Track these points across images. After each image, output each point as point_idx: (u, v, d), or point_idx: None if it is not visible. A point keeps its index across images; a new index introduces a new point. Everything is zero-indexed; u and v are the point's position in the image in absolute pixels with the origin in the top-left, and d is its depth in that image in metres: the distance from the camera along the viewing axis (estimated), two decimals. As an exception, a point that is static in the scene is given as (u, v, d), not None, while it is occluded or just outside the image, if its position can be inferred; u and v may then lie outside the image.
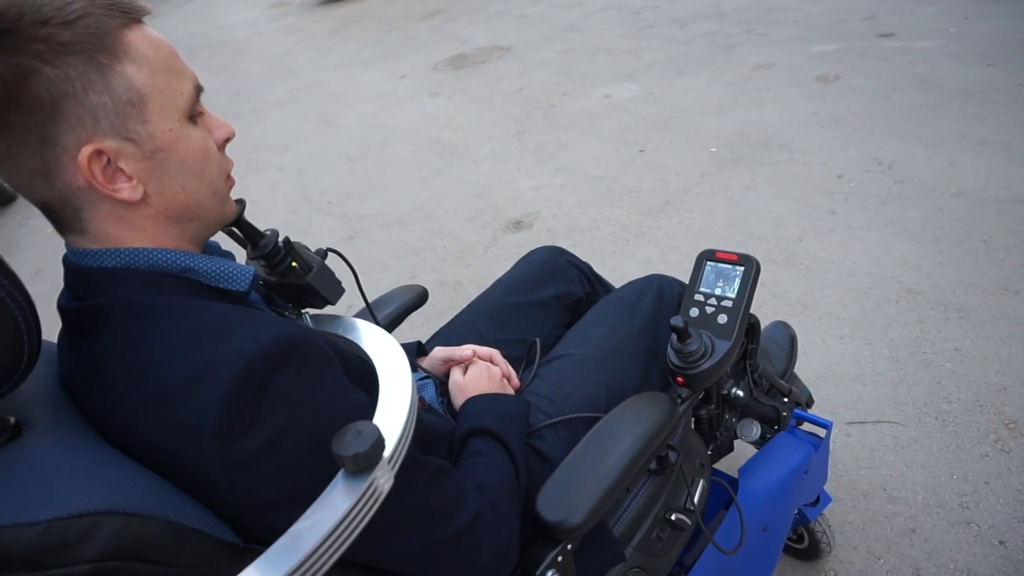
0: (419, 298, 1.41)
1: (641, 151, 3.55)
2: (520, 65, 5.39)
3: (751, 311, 1.16)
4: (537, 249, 1.41)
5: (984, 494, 1.58)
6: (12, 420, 0.64)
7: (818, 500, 1.45)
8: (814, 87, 3.80)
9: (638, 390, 1.11)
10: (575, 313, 1.34)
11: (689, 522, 1.07)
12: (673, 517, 1.06)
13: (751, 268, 1.11)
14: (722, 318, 1.09)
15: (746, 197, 2.93)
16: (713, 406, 1.24)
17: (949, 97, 3.37)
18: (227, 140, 0.78)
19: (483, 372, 1.09)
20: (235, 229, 0.87)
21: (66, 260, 0.73)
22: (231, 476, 0.62)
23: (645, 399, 1.00)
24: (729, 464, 1.44)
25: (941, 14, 4.44)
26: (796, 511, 1.40)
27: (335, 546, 0.58)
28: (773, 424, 1.37)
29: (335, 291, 0.94)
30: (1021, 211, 2.45)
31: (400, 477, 0.65)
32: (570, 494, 0.86)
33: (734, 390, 1.25)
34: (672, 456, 1.05)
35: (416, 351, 1.24)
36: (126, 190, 0.68)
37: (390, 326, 1.34)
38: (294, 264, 0.90)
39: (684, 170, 3.26)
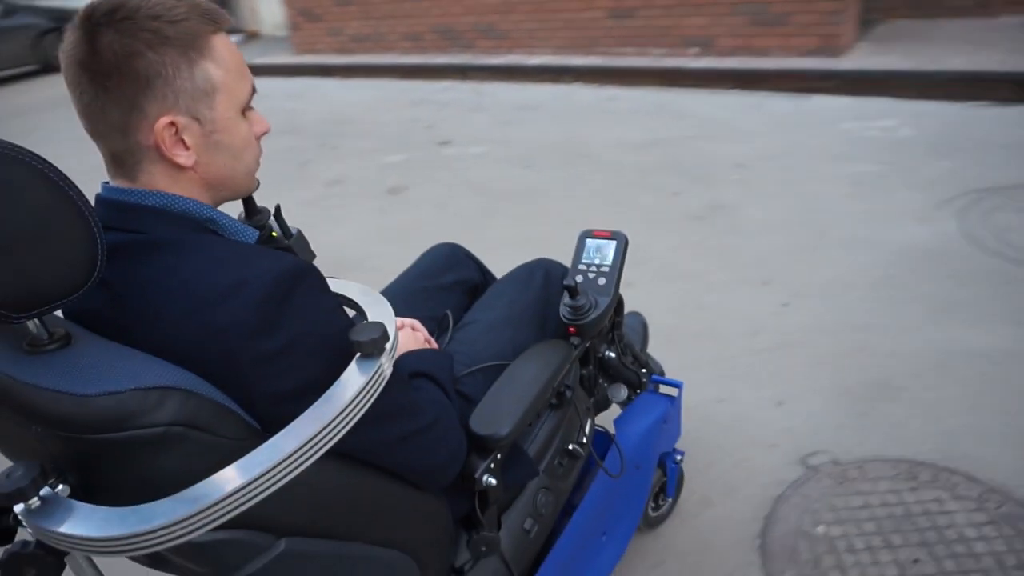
0: None
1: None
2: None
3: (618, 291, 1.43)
4: (438, 244, 1.66)
5: None
6: (63, 331, 0.74)
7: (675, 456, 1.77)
8: (385, 200, 3.93)
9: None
10: (472, 297, 1.57)
11: (582, 452, 1.34)
12: (570, 447, 1.31)
13: (621, 241, 1.39)
14: (601, 280, 1.36)
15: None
16: (591, 367, 1.47)
17: (499, 199, 3.72)
18: (263, 134, 0.95)
19: (409, 335, 1.24)
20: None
21: (100, 197, 0.87)
22: (258, 368, 0.77)
23: (547, 343, 1.29)
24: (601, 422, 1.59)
25: (487, 121, 4.98)
26: (671, 462, 1.73)
27: (351, 414, 0.75)
28: (635, 388, 1.63)
29: (310, 256, 1.13)
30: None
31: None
32: (497, 413, 1.09)
33: (606, 352, 1.50)
34: (568, 393, 1.29)
35: None
36: (183, 157, 0.85)
37: None
38: (274, 234, 1.09)
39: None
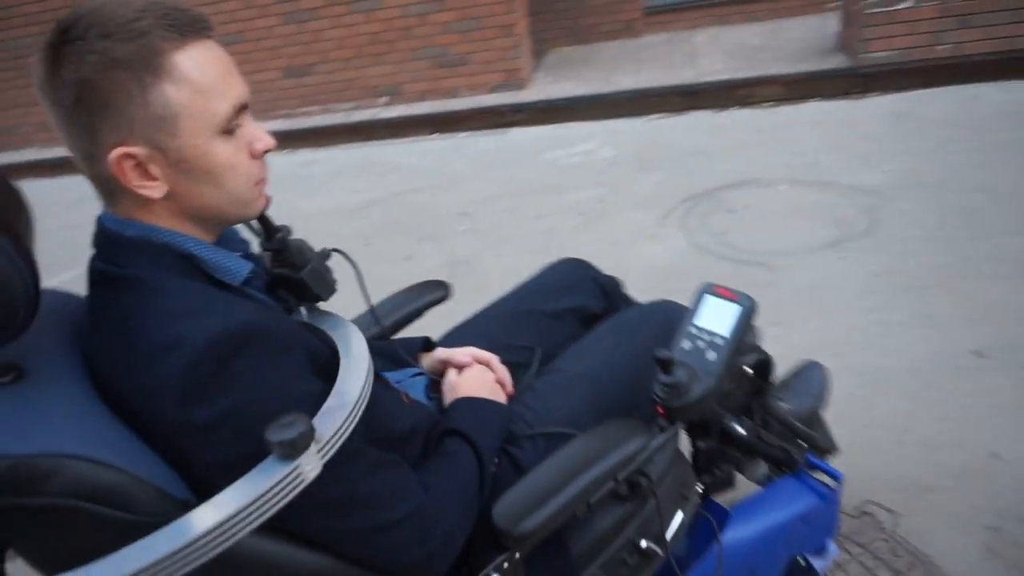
0: (440, 295, 1.44)
1: None
2: None
3: (765, 349, 1.21)
4: (563, 259, 1.45)
5: None
6: (16, 364, 0.70)
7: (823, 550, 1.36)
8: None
9: (625, 413, 1.11)
10: (589, 327, 1.34)
11: (660, 552, 1.06)
12: (644, 544, 1.05)
13: (747, 308, 1.08)
14: (711, 355, 1.07)
15: None
16: (712, 440, 1.21)
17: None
18: (266, 151, 0.84)
19: (476, 375, 1.13)
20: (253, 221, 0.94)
21: (99, 220, 0.82)
22: (186, 437, 0.71)
23: (619, 425, 1.03)
24: (733, 499, 1.29)
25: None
26: (802, 561, 1.30)
27: (249, 519, 0.66)
28: (781, 466, 1.29)
29: (326, 289, 0.99)
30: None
31: (334, 465, 0.72)
32: (525, 505, 0.89)
33: (736, 427, 1.18)
34: (644, 483, 1.02)
35: (422, 346, 1.27)
36: (148, 188, 0.77)
37: (406, 319, 1.37)
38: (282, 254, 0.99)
39: None
